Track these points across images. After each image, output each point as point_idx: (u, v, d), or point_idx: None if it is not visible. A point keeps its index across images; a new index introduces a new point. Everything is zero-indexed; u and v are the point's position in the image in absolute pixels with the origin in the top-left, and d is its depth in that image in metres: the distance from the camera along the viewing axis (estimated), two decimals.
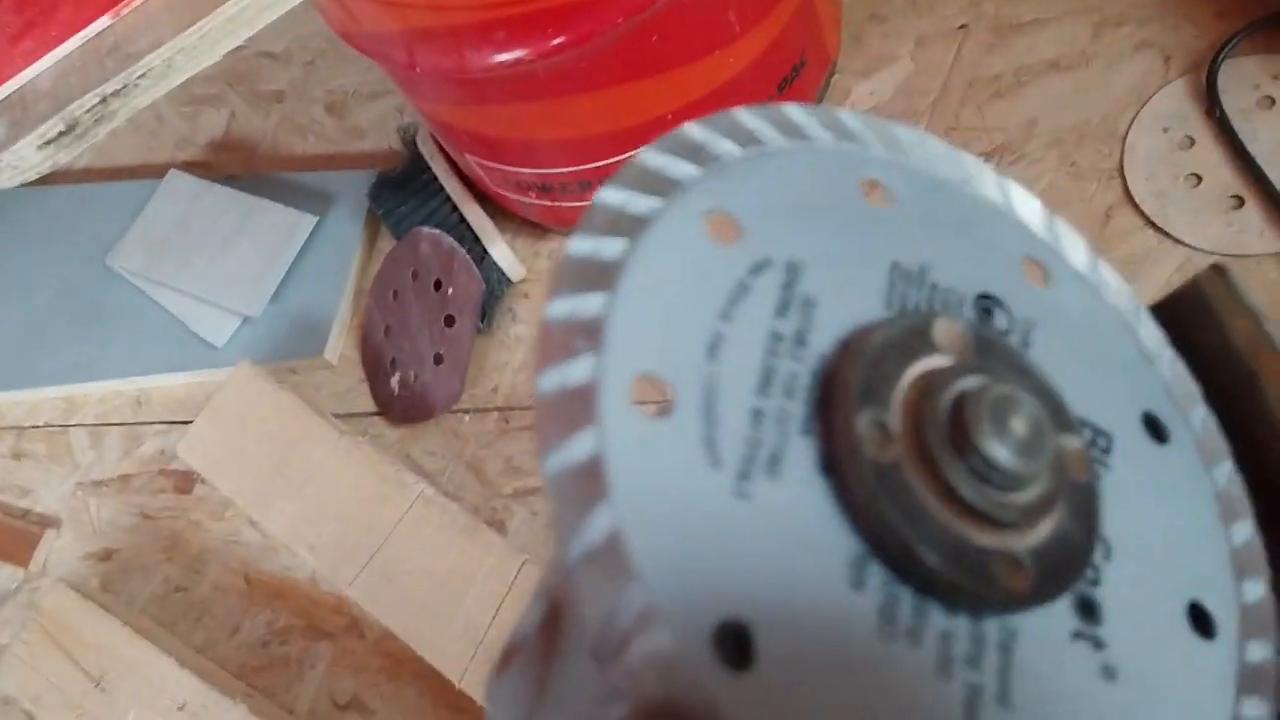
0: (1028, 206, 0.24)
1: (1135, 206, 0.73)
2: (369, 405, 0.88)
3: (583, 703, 0.19)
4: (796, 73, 0.78)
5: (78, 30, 0.47)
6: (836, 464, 0.18)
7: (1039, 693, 0.18)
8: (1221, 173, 0.72)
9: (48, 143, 0.45)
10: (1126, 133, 0.76)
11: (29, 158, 0.45)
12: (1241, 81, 0.74)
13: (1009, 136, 0.79)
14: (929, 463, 0.18)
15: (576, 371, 0.17)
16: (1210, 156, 0.72)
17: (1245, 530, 0.23)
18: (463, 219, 0.87)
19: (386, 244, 0.93)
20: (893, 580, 0.18)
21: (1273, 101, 0.73)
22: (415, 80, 0.75)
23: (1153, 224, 0.72)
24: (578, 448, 0.17)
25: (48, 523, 0.93)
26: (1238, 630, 0.21)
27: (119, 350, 0.97)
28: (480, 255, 0.85)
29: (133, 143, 1.12)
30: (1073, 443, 0.20)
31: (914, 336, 0.20)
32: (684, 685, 0.16)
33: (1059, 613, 0.19)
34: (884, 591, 0.18)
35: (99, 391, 0.98)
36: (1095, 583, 0.20)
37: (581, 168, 0.78)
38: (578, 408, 0.17)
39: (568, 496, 0.16)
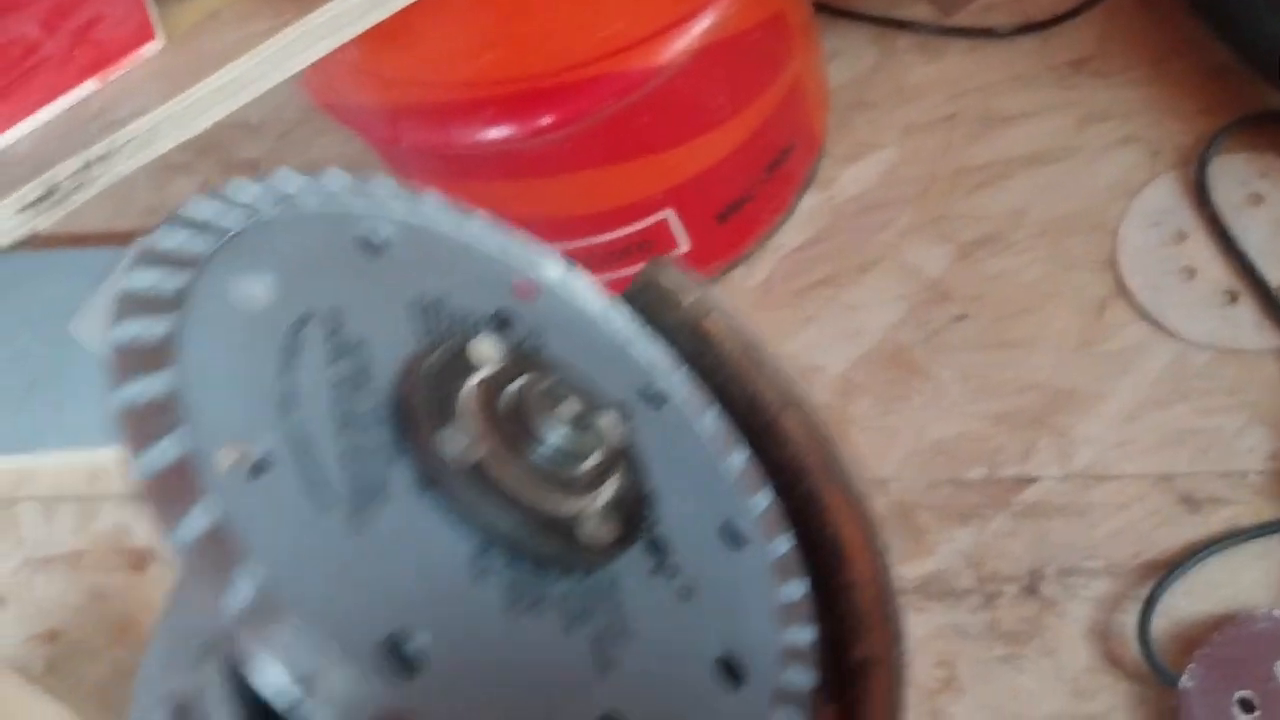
0: (498, 239, 0.28)
1: (1128, 299, 0.72)
2: None
3: None
4: (785, 156, 0.77)
5: (61, 94, 0.45)
6: (432, 477, 0.21)
7: (646, 623, 0.22)
8: (1214, 267, 0.71)
9: (25, 207, 0.43)
10: (1116, 225, 0.75)
11: (4, 222, 0.43)
12: (1230, 178, 0.74)
13: (997, 226, 0.78)
14: (507, 454, 0.21)
15: (168, 450, 0.18)
16: (1203, 251, 0.72)
17: (740, 458, 0.27)
18: None
19: None
20: (511, 561, 0.21)
21: (1260, 199, 0.73)
22: (397, 154, 0.73)
23: (1147, 317, 0.71)
24: (198, 520, 0.18)
25: None
26: (762, 534, 0.26)
27: (76, 419, 0.93)
28: None
29: (99, 209, 1.09)
30: (608, 416, 0.23)
31: (460, 356, 0.23)
32: (368, 707, 0.17)
33: (637, 557, 0.23)
34: (507, 573, 0.21)
35: (53, 462, 0.94)
36: (653, 526, 0.24)
37: (560, 246, 0.76)
38: (183, 484, 0.18)
39: (205, 567, 0.17)
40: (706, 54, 0.65)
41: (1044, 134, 0.81)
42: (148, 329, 0.20)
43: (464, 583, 0.20)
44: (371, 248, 0.25)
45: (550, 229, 0.78)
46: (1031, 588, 0.66)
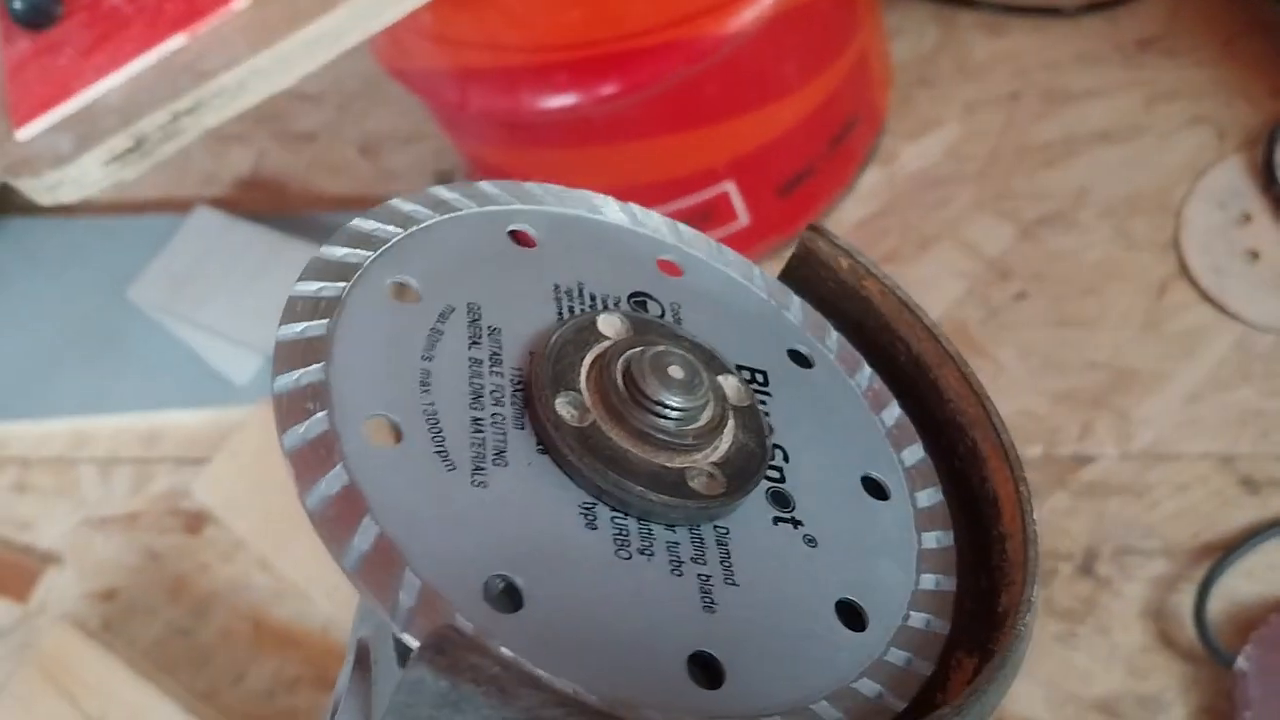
0: (651, 221, 0.30)
1: (1191, 280, 0.72)
2: None
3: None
4: (848, 130, 0.77)
5: (151, 46, 0.46)
6: (548, 440, 0.23)
7: (757, 569, 0.23)
8: (1279, 250, 0.70)
9: (114, 159, 0.43)
10: (1181, 206, 0.75)
11: (92, 173, 0.43)
12: None
13: (1060, 205, 0.78)
14: (618, 418, 0.23)
15: (314, 427, 0.21)
16: (1267, 234, 0.71)
17: (893, 412, 0.29)
18: None
19: None
20: (618, 515, 0.23)
21: None
22: (464, 120, 0.74)
23: (1209, 298, 0.71)
24: (331, 483, 0.20)
25: (49, 558, 0.90)
26: (907, 486, 0.27)
27: (133, 383, 0.95)
28: None
29: (157, 177, 1.11)
30: (729, 379, 0.26)
31: (583, 332, 0.25)
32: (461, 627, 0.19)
33: (757, 507, 0.25)
34: (613, 526, 0.22)
35: (110, 425, 0.96)
36: (781, 479, 0.25)
37: None
38: (323, 454, 0.20)
39: (333, 525, 0.19)
40: (775, 23, 0.65)
41: (1109, 113, 0.81)
42: (307, 329, 0.22)
43: (571, 531, 0.22)
44: (522, 242, 0.27)
45: (617, 197, 0.78)
46: (1087, 567, 0.66)
